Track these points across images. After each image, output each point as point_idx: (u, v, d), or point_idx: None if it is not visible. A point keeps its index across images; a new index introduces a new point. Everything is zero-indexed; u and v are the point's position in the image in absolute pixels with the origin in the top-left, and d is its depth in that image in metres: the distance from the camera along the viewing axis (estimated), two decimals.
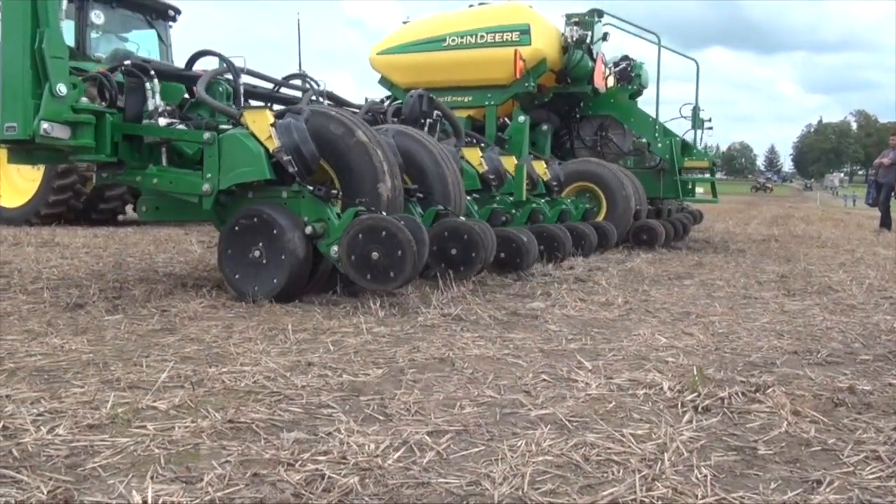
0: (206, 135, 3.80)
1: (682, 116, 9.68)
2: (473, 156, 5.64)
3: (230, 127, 3.94)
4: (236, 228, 3.71)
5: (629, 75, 9.25)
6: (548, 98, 8.89)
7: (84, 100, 3.86)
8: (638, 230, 7.65)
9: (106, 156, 3.99)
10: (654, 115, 9.01)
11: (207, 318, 3.27)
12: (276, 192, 3.77)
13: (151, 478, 1.50)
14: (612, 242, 6.70)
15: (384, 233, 3.48)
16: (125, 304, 3.47)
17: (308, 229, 3.62)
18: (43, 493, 1.40)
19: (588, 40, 8.55)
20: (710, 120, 9.98)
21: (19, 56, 3.64)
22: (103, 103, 4.00)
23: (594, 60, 8.69)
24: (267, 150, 3.69)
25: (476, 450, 1.73)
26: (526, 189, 6.22)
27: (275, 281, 3.61)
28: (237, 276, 3.70)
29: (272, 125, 3.71)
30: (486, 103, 8.36)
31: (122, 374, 2.28)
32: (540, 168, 6.75)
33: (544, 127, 8.94)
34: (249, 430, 1.81)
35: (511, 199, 6.13)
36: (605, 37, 9.00)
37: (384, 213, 3.66)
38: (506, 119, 8.61)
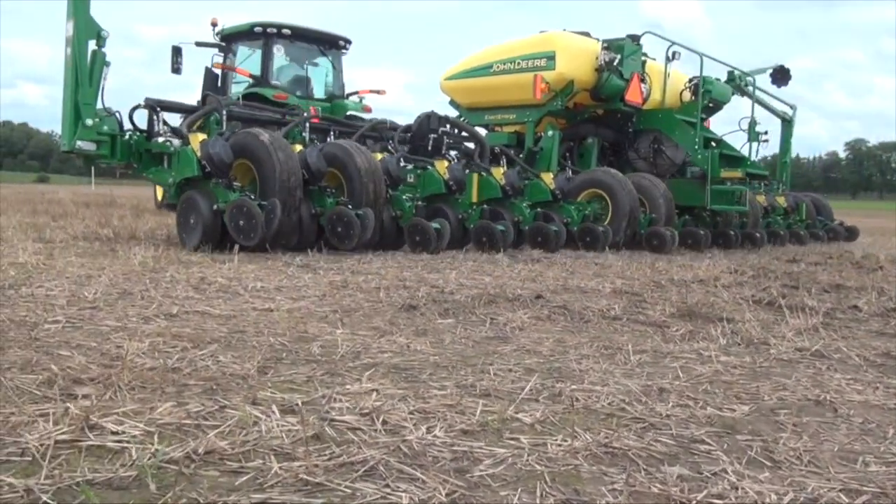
0: (173, 148, 6.44)
1: (740, 129, 11.02)
2: (441, 166, 7.47)
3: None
4: (183, 205, 6.13)
5: (701, 91, 10.25)
6: (587, 114, 10.61)
7: (105, 128, 6.49)
8: (649, 235, 8.77)
9: (118, 160, 6.68)
10: (715, 131, 10.56)
11: (535, 329, 3.31)
12: (206, 183, 6.06)
13: (541, 495, 1.49)
14: (561, 243, 7.85)
15: (245, 208, 5.70)
16: (454, 309, 3.65)
17: (214, 207, 5.90)
18: (441, 495, 1.45)
19: (616, 62, 9.85)
20: (766, 133, 11.67)
21: (68, 104, 6.36)
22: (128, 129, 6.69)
23: (625, 80, 9.94)
24: (198, 157, 5.96)
25: None
26: (507, 192, 7.86)
27: (197, 237, 5.93)
28: (184, 234, 6.14)
29: (201, 142, 6.01)
30: (526, 120, 10.30)
31: (472, 380, 2.35)
32: (547, 178, 8.54)
33: (589, 140, 10.52)
34: (626, 457, 1.74)
35: (525, 204, 8.09)
36: (674, 56, 10.23)
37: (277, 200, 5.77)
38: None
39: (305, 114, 7.71)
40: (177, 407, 1.90)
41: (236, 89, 10.96)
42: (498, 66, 10.41)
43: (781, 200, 12.93)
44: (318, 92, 11.50)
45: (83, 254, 5.38)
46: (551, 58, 9.87)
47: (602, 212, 8.88)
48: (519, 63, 10.16)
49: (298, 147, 6.57)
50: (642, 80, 10.21)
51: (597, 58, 9.94)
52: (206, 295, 3.76)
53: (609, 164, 10.39)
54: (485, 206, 7.75)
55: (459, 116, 10.98)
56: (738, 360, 2.88)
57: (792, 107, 13.79)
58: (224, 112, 6.84)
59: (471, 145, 8.57)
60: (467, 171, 7.79)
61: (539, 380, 2.39)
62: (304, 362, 2.50)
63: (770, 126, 12.57)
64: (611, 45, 10.03)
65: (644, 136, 10.50)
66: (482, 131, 10.58)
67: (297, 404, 1.98)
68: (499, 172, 7.91)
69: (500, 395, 2.20)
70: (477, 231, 7.33)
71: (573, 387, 2.32)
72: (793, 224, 12.86)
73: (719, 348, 3.08)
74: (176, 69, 10.48)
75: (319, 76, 11.71)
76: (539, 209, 8.22)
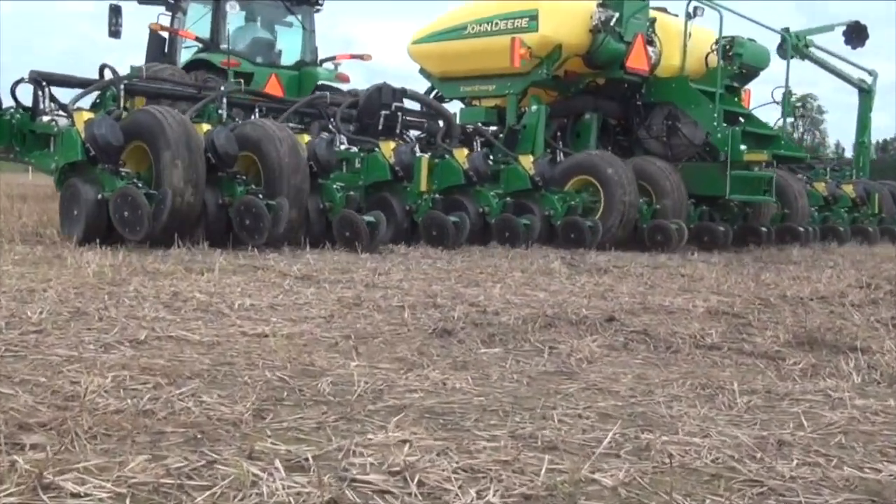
0: (56, 129, 7.01)
1: (773, 101, 11.39)
2: (387, 149, 8.06)
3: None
4: (66, 193, 6.71)
5: (728, 54, 10.64)
6: (584, 85, 10.84)
7: None
8: (651, 230, 9.31)
9: None
10: (737, 103, 10.89)
11: (609, 362, 3.30)
12: (92, 169, 6.62)
13: None
14: (530, 238, 8.44)
15: (130, 198, 6.25)
16: (500, 334, 3.65)
17: (99, 196, 6.43)
18: None
19: (614, 22, 10.00)
20: (802, 106, 12.35)
21: None
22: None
23: (626, 42, 10.11)
24: (82, 139, 6.49)
25: None
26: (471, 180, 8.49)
27: (80, 230, 6.44)
28: (66, 226, 6.65)
29: (86, 122, 6.50)
30: (507, 92, 10.55)
31: (532, 429, 2.34)
32: (526, 162, 9.09)
33: (587, 116, 10.74)
34: None
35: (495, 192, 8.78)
36: (695, 12, 10.47)
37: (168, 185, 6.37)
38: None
39: (223, 87, 8.16)
40: (152, 462, 1.91)
41: (186, 55, 11.32)
42: (473, 28, 10.69)
43: (849, 189, 13.09)
44: (292, 58, 11.77)
45: (22, 261, 5.46)
46: (534, 17, 10.13)
47: (593, 203, 9.30)
48: (497, 24, 10.44)
49: (206, 127, 6.99)
50: (650, 43, 10.41)
51: (591, 16, 10.16)
52: (181, 315, 3.80)
53: (616, 145, 10.72)
54: (437, 195, 8.31)
55: (431, 88, 11.37)
56: (880, 403, 2.83)
57: (871, 73, 13.72)
58: (122, 87, 7.31)
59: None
60: (421, 154, 8.29)
61: (619, 429, 2.37)
62: (312, 404, 2.51)
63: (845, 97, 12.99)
64: (607, 2, 10.23)
65: (656, 110, 10.75)
66: (456, 106, 11.04)
67: (306, 459, 1.98)
68: (462, 155, 8.39)
69: (569, 448, 2.19)
70: (426, 223, 7.90)
71: (664, 438, 2.30)
72: (860, 218, 13.05)
73: (853, 388, 3.04)
74: (114, 32, 10.93)
75: (294, 39, 12.04)
76: (511, 199, 8.84)
